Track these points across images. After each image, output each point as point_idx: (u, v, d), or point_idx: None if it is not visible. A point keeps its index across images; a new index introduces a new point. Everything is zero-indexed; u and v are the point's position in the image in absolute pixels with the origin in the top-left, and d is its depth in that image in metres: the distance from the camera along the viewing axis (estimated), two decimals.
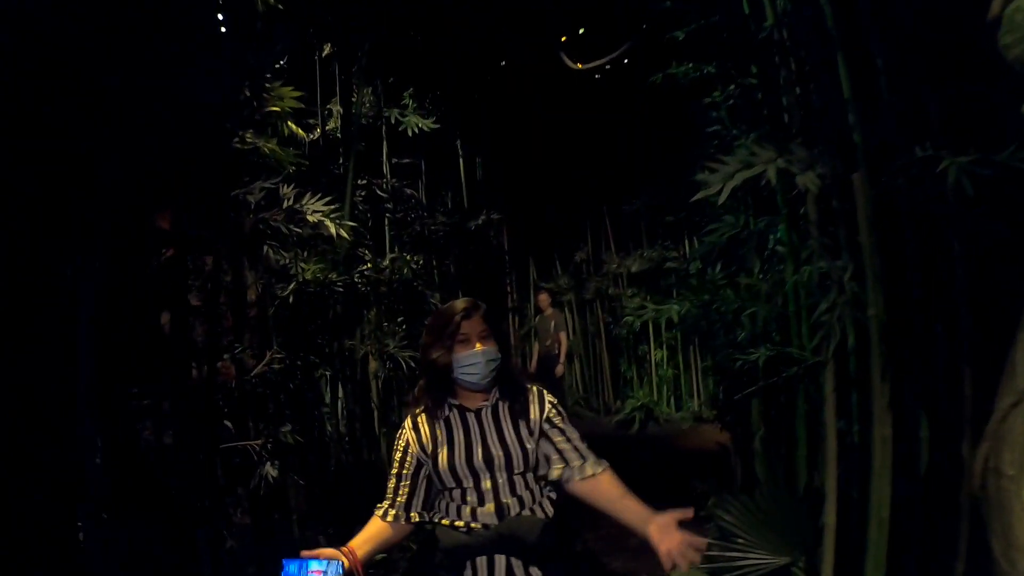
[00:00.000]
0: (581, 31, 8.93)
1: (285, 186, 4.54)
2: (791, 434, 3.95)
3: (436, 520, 2.26)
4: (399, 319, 5.55)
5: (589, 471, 2.25)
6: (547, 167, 11.03)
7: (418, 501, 2.28)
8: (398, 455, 2.31)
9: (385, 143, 6.19)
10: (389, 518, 2.28)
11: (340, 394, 5.08)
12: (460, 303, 2.36)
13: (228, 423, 4.32)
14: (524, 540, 2.15)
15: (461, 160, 7.36)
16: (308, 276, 4.25)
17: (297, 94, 3.98)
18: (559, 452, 2.28)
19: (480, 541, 2.16)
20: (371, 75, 6.04)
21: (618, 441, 10.59)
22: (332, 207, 4.29)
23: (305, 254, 4.55)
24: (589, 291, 12.12)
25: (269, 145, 3.70)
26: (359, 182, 5.87)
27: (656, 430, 10.80)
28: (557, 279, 12.33)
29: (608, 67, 10.69)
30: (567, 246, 12.34)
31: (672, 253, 11.39)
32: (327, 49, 6.10)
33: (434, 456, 2.23)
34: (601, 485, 2.24)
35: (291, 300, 4.34)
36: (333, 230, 4.18)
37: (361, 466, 4.85)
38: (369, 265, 5.63)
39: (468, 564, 2.18)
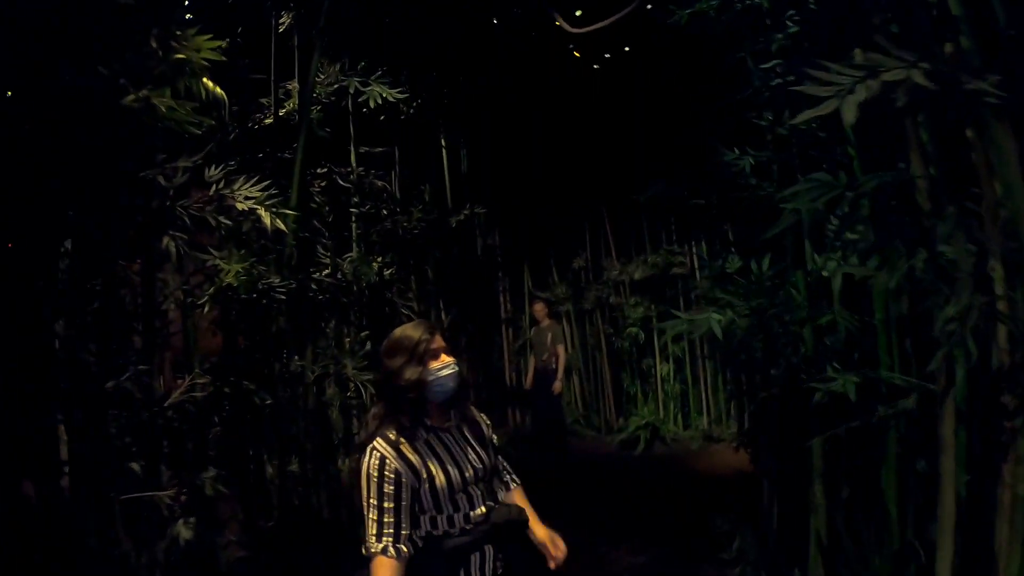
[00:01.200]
0: (578, 13, 8.07)
1: (213, 168, 3.62)
2: (859, 476, 3.02)
3: (429, 534, 2.34)
4: (363, 334, 4.61)
5: (515, 484, 2.69)
6: (541, 163, 10.13)
7: (408, 527, 2.31)
8: (390, 487, 2.28)
9: (352, 125, 5.26)
10: (403, 554, 2.27)
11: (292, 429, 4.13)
12: (418, 325, 2.46)
13: (135, 466, 3.38)
14: (512, 525, 2.42)
15: (444, 152, 6.42)
16: (231, 279, 3.31)
17: (216, 44, 3.06)
18: (503, 465, 2.68)
19: (477, 538, 2.37)
20: (336, 49, 5.11)
21: (621, 462, 9.73)
22: (268, 193, 3.37)
23: (241, 252, 3.62)
24: (588, 300, 11.17)
25: (163, 100, 2.77)
26: (318, 170, 4.93)
27: (662, 450, 9.93)
28: (554, 288, 11.38)
29: (608, 56, 9.89)
30: (564, 252, 11.39)
31: (679, 258, 10.49)
32: (285, 20, 5.19)
33: (430, 478, 2.32)
34: (517, 497, 2.66)
35: (206, 310, 3.40)
36: (267, 221, 3.26)
37: (313, 520, 3.91)
38: (328, 269, 4.71)
39: (471, 559, 2.36)
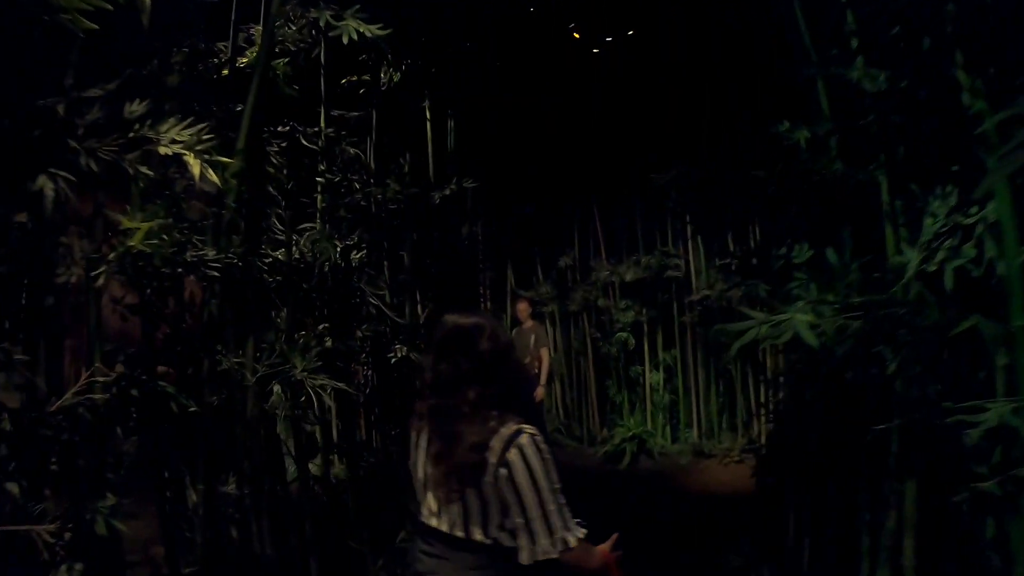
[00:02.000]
0: None
1: (137, 103, 2.79)
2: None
3: None
4: (321, 327, 3.79)
5: None
6: (531, 151, 9.40)
7: None
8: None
9: (323, 80, 4.43)
10: None
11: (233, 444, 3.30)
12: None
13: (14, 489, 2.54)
14: None
15: (428, 124, 5.61)
16: (138, 242, 2.48)
17: None
18: None
19: None
20: None
21: (606, 477, 9.01)
22: (200, 137, 2.56)
23: (156, 206, 2.79)
24: (575, 302, 10.39)
25: None
26: (279, 128, 4.11)
27: (649, 465, 9.21)
28: (538, 287, 10.59)
29: (610, 40, 9.19)
30: (551, 248, 10.61)
31: (674, 260, 9.77)
32: None
33: None
34: None
35: (100, 280, 2.57)
36: (196, 170, 2.46)
37: (253, 560, 3.07)
38: (285, 248, 3.89)
39: None
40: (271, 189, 3.83)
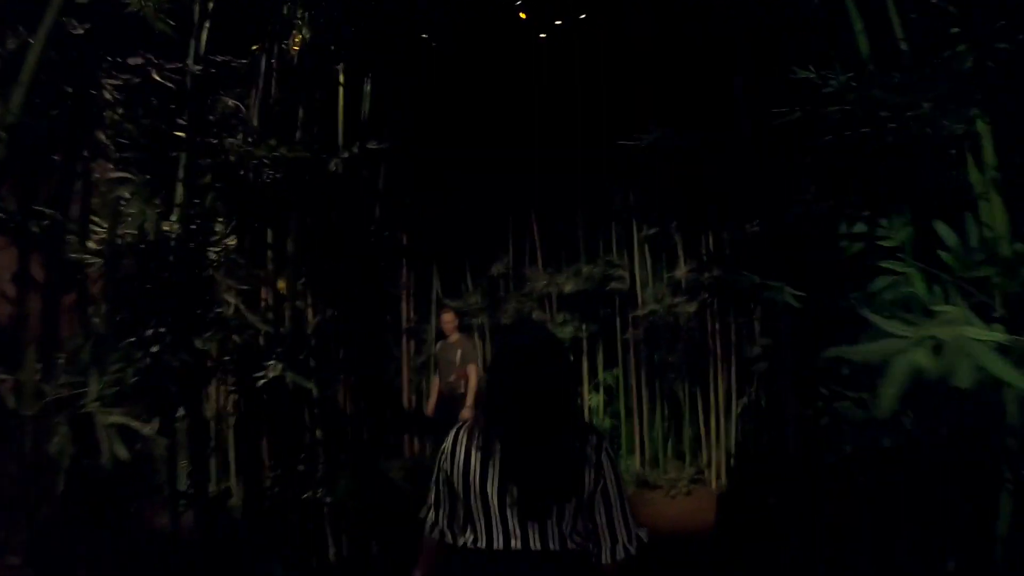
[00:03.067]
0: None
1: None
2: None
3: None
4: (149, 333, 2.62)
5: None
6: (464, 140, 8.38)
7: None
8: None
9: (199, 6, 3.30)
10: None
11: None
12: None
13: None
14: None
15: (341, 89, 4.49)
16: None
17: None
18: None
19: None
20: None
21: None
22: None
23: None
24: (507, 313, 9.34)
25: None
26: (129, 61, 2.96)
27: None
28: (467, 296, 9.49)
29: (560, 23, 8.30)
30: (482, 253, 9.55)
31: (619, 271, 8.86)
32: None
33: None
34: None
35: None
36: None
37: None
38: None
39: None
40: (102, 137, 2.68)
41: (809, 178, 3.04)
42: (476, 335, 9.46)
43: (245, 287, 3.10)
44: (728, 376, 8.29)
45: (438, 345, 8.61)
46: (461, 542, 2.21)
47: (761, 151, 3.32)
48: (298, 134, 3.69)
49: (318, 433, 3.76)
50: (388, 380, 9.28)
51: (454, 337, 8.33)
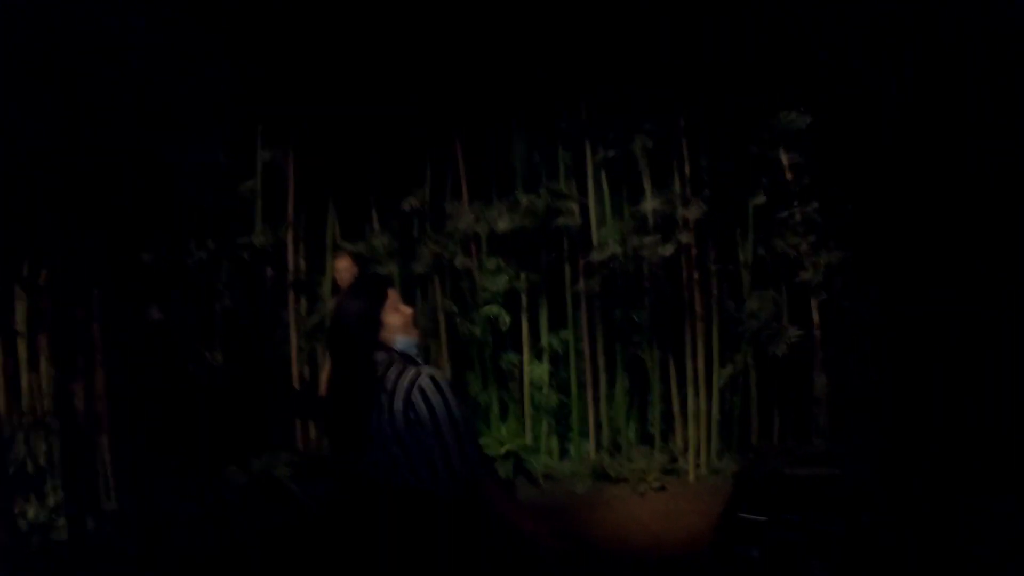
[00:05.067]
0: None
1: None
2: None
3: None
4: None
5: None
6: (366, 38, 6.26)
7: None
8: None
9: None
10: None
11: None
12: None
13: None
14: None
15: None
16: None
17: None
18: None
19: None
20: None
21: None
22: None
23: None
24: (423, 260, 7.25)
25: None
26: None
27: (531, 494, 6.35)
28: (371, 238, 7.31)
29: None
30: (391, 184, 7.37)
31: (568, 203, 6.88)
32: None
33: None
34: None
35: None
36: None
37: None
38: None
39: None
40: None
41: None
42: None
43: None
44: (708, 339, 6.52)
45: (336, 299, 6.48)
46: None
47: None
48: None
49: None
50: (269, 350, 7.14)
51: None
